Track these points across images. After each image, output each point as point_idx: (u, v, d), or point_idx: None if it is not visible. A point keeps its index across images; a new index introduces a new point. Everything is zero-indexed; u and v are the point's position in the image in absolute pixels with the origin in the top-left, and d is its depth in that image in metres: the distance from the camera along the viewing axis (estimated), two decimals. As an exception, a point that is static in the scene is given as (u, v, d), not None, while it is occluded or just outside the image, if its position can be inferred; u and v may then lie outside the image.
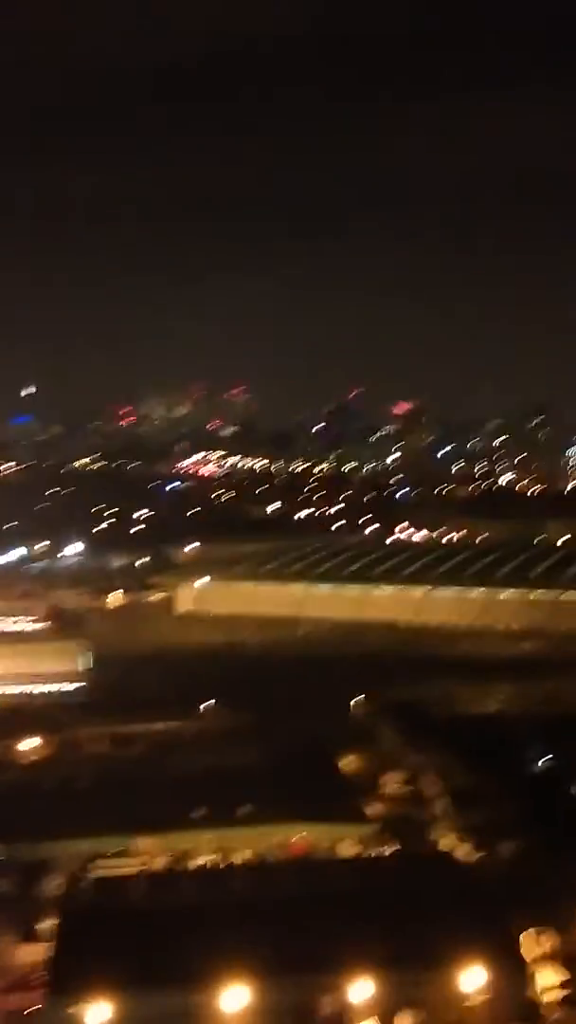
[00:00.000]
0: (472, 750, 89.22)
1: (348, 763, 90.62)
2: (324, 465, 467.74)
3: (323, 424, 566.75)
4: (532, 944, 57.61)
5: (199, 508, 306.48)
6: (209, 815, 77.10)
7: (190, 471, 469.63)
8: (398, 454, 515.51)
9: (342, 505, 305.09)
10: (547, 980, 55.50)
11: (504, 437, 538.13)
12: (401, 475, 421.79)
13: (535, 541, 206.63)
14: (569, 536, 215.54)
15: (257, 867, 71.24)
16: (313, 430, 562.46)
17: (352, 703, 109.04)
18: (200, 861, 72.69)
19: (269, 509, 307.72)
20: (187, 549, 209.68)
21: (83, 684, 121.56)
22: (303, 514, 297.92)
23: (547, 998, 54.60)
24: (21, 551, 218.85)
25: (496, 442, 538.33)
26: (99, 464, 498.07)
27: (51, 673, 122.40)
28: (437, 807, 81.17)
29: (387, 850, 73.42)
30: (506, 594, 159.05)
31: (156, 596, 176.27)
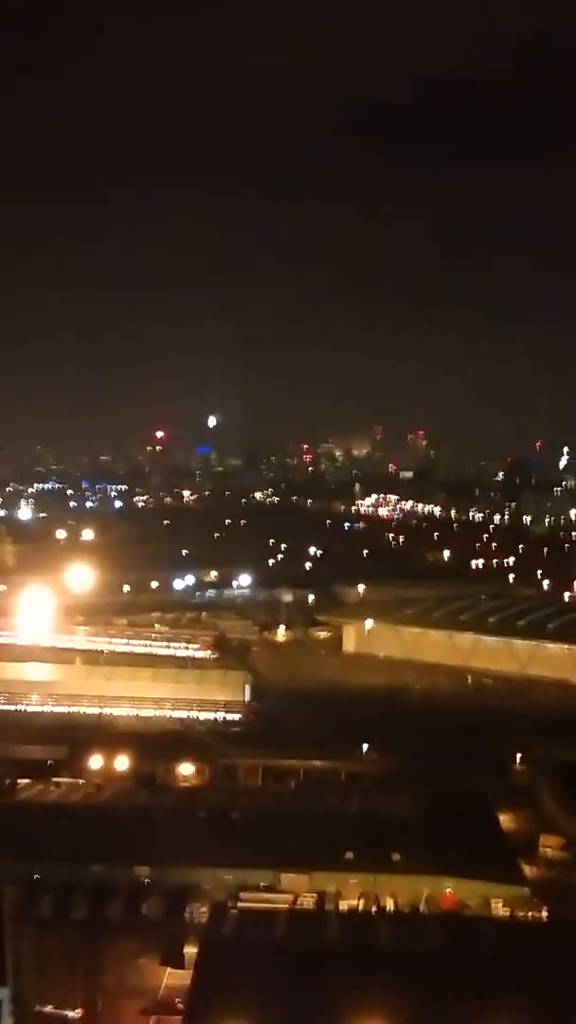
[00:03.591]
0: None
1: (506, 820, 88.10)
2: (503, 515, 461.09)
3: (503, 473, 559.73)
4: None
5: (373, 549, 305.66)
6: (360, 858, 75.95)
7: (367, 512, 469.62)
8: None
9: (519, 557, 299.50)
10: None
11: None
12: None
13: None
14: None
15: (406, 917, 69.68)
16: (494, 479, 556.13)
17: (515, 760, 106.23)
18: (348, 903, 71.61)
19: (444, 555, 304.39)
20: (359, 589, 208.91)
21: (244, 715, 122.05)
22: (479, 563, 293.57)
23: None
24: (195, 579, 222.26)
25: None
26: (276, 498, 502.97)
27: (214, 701, 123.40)
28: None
29: (541, 914, 70.87)
30: None
31: (323, 633, 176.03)
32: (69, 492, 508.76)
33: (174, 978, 60.99)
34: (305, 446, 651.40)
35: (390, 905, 71.50)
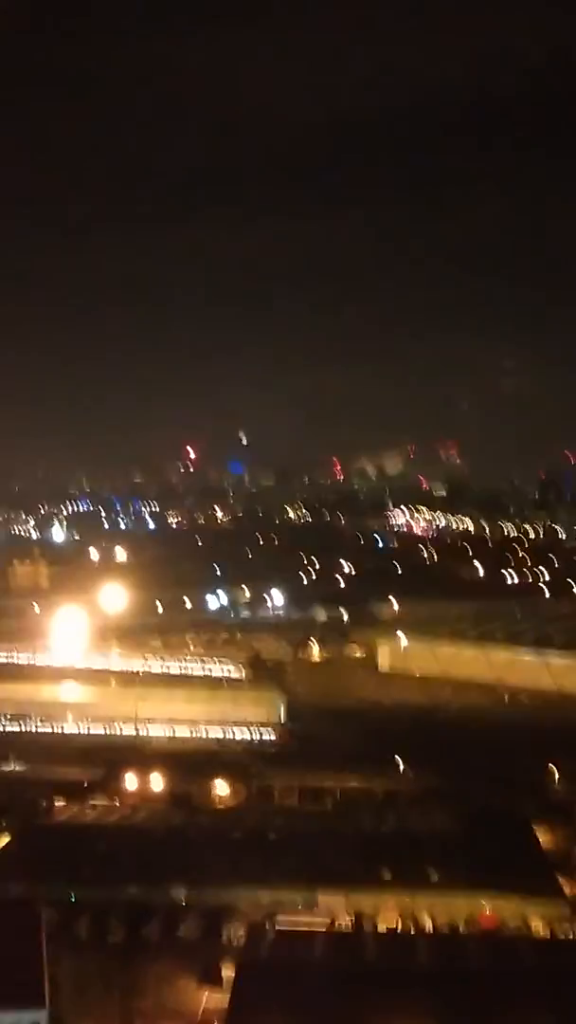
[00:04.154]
0: None
1: (544, 836, 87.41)
2: (538, 529, 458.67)
3: (538, 488, 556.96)
4: None
5: (407, 566, 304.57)
6: (397, 877, 75.55)
7: (400, 529, 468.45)
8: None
9: (554, 571, 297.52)
10: None
11: None
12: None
13: None
14: None
15: (445, 936, 69.19)
16: (528, 494, 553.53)
17: (552, 776, 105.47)
18: (385, 923, 71.20)
19: (479, 570, 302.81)
20: (393, 606, 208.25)
21: (279, 734, 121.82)
22: (514, 578, 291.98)
23: None
24: (228, 598, 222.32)
25: None
26: (310, 516, 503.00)
27: (248, 720, 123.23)
28: None
29: (582, 932, 70.22)
30: None
31: (357, 651, 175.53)
32: (102, 513, 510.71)
33: (212, 999, 60.81)
34: (337, 463, 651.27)
35: (428, 924, 71.07)
